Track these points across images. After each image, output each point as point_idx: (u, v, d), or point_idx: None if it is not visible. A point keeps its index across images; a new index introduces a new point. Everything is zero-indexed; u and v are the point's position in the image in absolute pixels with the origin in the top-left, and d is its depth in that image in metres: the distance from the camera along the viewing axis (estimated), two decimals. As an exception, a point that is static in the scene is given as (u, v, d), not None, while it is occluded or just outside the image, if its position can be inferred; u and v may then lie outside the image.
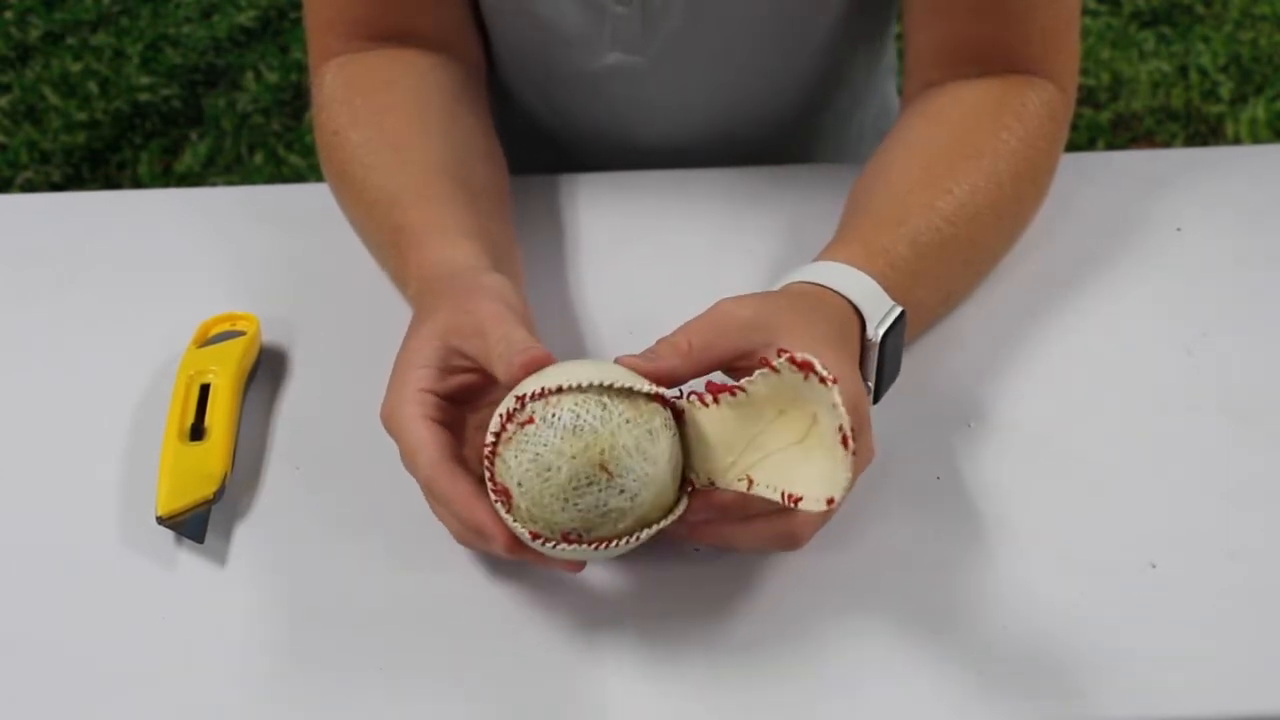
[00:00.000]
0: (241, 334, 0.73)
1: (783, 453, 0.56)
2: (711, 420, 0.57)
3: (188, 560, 0.64)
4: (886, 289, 0.64)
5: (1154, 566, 0.62)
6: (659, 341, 0.59)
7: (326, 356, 0.74)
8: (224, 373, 0.70)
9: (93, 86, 2.26)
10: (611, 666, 0.59)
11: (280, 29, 2.39)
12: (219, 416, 0.68)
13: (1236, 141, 2.08)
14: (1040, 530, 0.64)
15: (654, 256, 0.79)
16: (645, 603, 0.61)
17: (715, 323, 0.60)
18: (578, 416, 0.54)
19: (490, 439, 0.56)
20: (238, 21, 2.39)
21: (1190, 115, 2.13)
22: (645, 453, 0.55)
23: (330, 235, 0.79)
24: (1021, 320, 0.75)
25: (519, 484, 0.54)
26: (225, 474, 0.66)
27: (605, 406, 0.55)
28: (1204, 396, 0.70)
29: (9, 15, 2.43)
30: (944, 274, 0.70)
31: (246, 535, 0.65)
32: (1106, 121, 2.12)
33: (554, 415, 0.54)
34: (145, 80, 2.27)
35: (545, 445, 0.54)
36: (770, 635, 0.60)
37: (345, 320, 0.76)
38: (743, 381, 0.56)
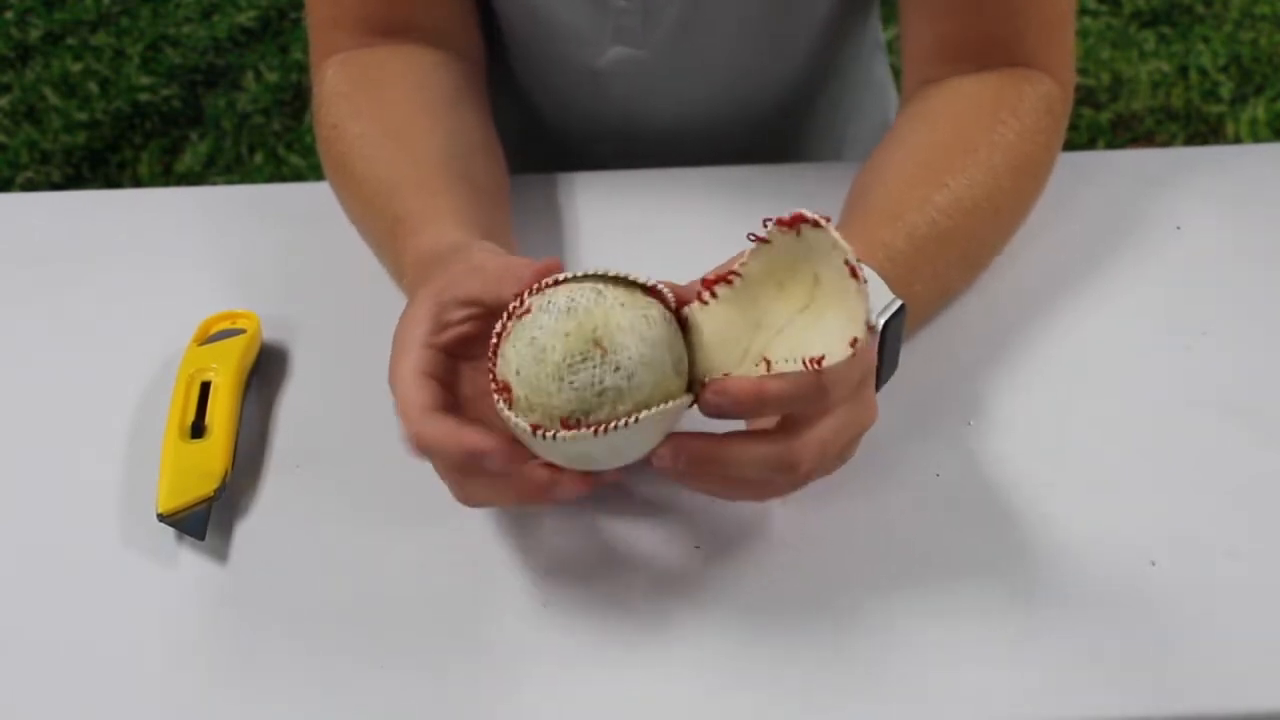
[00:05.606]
0: (242, 332, 0.73)
1: (791, 324, 0.56)
2: (714, 317, 0.57)
3: (188, 558, 0.64)
4: (885, 282, 0.64)
5: (1154, 565, 0.62)
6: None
7: (326, 355, 0.74)
8: (224, 371, 0.70)
9: (93, 86, 2.27)
10: (612, 665, 0.59)
11: (280, 29, 2.39)
12: (219, 414, 0.69)
13: (1236, 141, 2.08)
14: (1039, 528, 0.64)
15: (654, 256, 0.79)
16: (646, 600, 0.61)
17: None
18: (572, 299, 0.55)
19: (493, 342, 0.56)
20: (238, 21, 2.39)
21: (1190, 115, 2.14)
22: (641, 334, 0.55)
23: (330, 234, 0.79)
24: (1021, 319, 0.75)
25: (517, 372, 0.55)
26: (226, 472, 0.66)
27: (600, 292, 0.56)
28: (1204, 395, 0.70)
29: (9, 15, 2.43)
30: (941, 268, 0.70)
31: (247, 533, 0.65)
32: (1106, 121, 2.12)
33: (549, 302, 0.55)
34: (145, 80, 2.28)
35: (541, 329, 0.55)
36: (767, 633, 0.60)
37: (345, 319, 0.76)
38: (735, 266, 0.57)
